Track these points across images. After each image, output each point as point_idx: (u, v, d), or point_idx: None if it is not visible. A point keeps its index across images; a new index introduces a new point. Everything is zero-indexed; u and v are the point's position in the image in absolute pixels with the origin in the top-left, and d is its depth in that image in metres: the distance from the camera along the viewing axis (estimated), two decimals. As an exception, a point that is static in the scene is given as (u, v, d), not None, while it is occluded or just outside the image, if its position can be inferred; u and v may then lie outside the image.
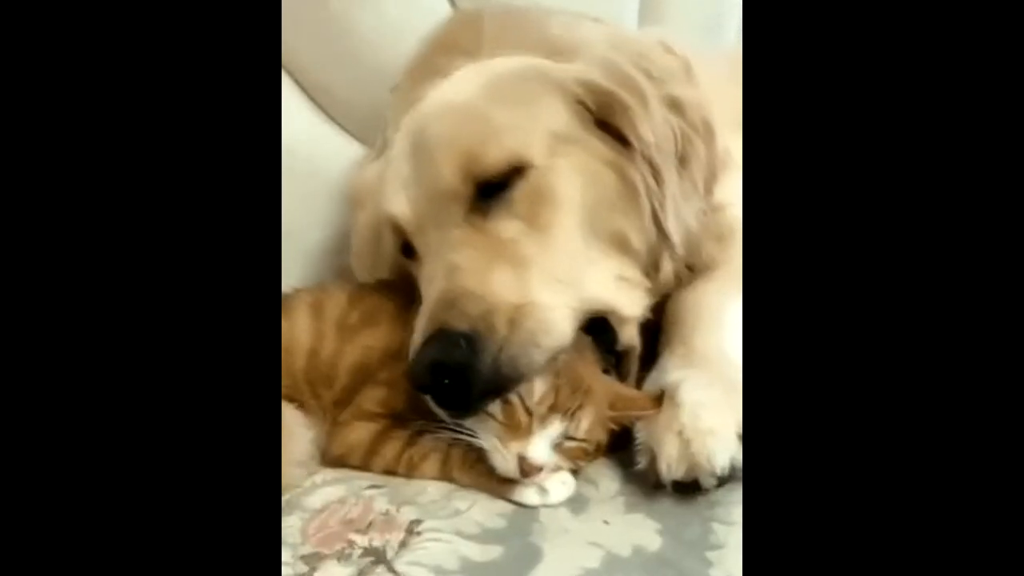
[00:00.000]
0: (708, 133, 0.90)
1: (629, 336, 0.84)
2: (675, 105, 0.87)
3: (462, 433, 0.78)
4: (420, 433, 0.82)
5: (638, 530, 0.70)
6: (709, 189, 0.91)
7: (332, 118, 1.30)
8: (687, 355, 0.81)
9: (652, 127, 0.85)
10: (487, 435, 0.76)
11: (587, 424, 0.76)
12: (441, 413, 0.79)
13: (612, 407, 0.77)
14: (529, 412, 0.75)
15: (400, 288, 0.92)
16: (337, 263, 1.19)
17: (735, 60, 1.19)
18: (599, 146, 0.84)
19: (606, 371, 0.81)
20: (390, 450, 0.83)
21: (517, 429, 0.74)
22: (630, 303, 0.84)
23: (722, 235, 0.93)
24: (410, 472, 0.82)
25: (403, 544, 0.71)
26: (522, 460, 0.74)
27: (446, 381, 0.74)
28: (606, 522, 0.72)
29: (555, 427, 0.74)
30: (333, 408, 0.86)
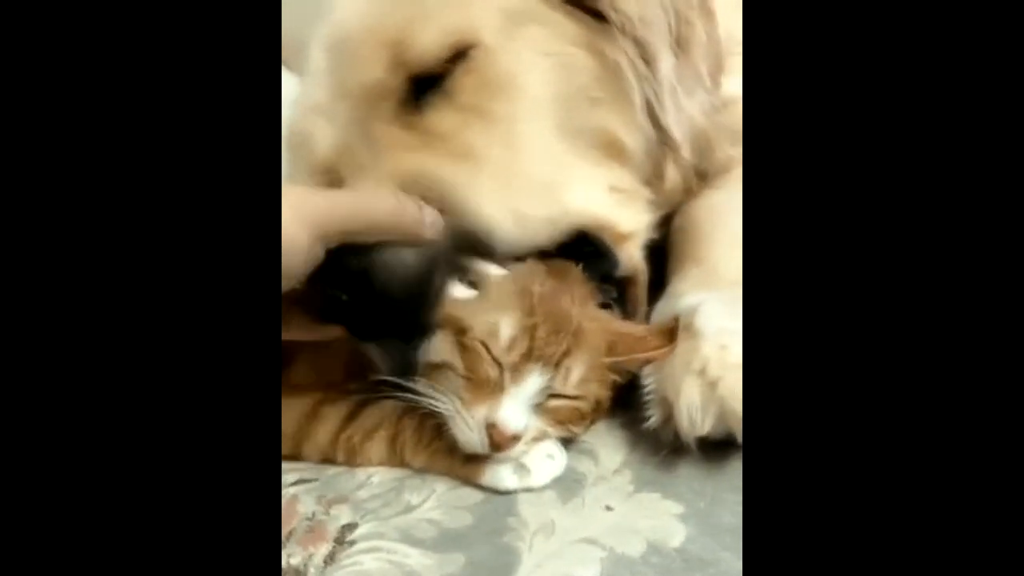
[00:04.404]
0: (706, 13, 0.74)
1: (631, 257, 0.68)
2: None
3: (414, 397, 0.59)
4: (363, 405, 0.64)
5: (653, 517, 0.53)
6: (716, 80, 0.75)
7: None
8: (704, 275, 0.67)
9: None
10: (445, 397, 0.58)
11: (578, 375, 0.58)
12: (379, 361, 0.61)
13: (612, 351, 0.60)
14: (498, 363, 0.56)
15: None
16: None
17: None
18: (568, 24, 0.68)
19: (606, 306, 0.64)
20: (324, 431, 0.64)
21: (483, 386, 0.57)
22: (628, 216, 0.68)
23: (736, 132, 0.77)
24: (351, 457, 0.64)
25: (330, 559, 0.54)
26: (491, 428, 0.56)
27: (344, 297, 0.56)
28: (609, 508, 0.55)
29: (534, 381, 0.56)
30: None
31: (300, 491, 0.60)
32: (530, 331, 0.57)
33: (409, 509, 0.57)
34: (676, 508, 0.53)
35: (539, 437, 0.58)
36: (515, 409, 0.56)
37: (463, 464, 0.59)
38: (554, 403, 0.58)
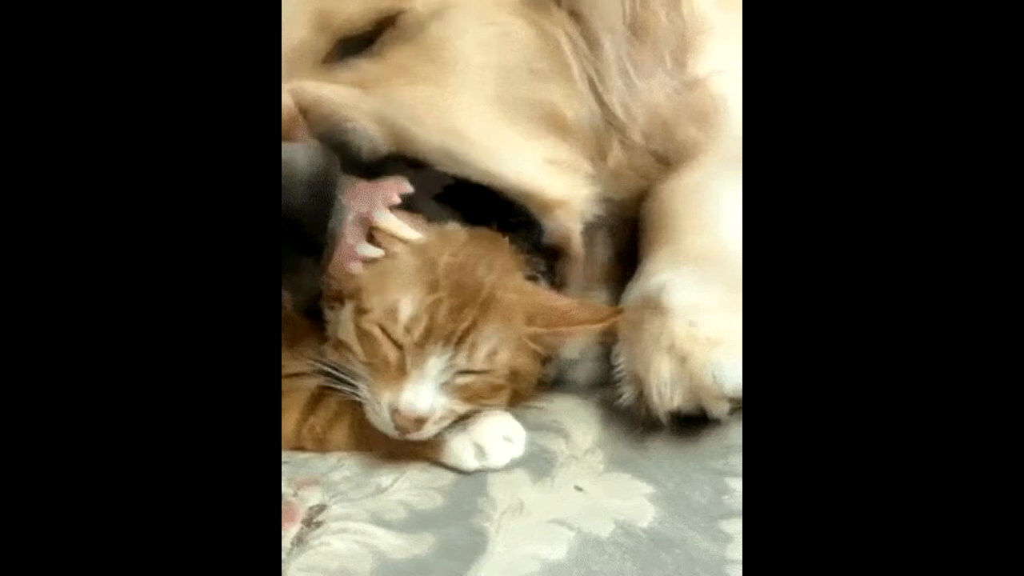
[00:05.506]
0: None
1: (559, 226, 0.65)
2: None
3: (337, 386, 0.60)
4: (321, 394, 0.63)
5: (623, 497, 0.54)
6: (680, 62, 0.74)
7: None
8: (674, 255, 0.66)
9: None
10: (359, 382, 0.58)
11: (487, 348, 0.57)
12: (291, 294, 0.60)
13: (531, 321, 0.58)
14: (398, 345, 0.56)
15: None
16: None
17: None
18: None
19: (532, 278, 0.63)
20: (287, 423, 0.63)
21: (385, 370, 0.56)
22: (558, 185, 0.66)
23: (703, 114, 0.76)
24: (320, 446, 0.63)
25: (298, 541, 0.53)
26: (395, 412, 0.56)
27: None
28: (579, 488, 0.55)
29: (436, 361, 0.56)
30: None
31: (270, 473, 0.59)
32: (431, 309, 0.56)
33: (380, 491, 0.56)
34: (646, 488, 0.54)
35: (446, 416, 0.57)
36: (418, 392, 0.55)
37: (421, 447, 0.58)
38: (464, 379, 0.57)
